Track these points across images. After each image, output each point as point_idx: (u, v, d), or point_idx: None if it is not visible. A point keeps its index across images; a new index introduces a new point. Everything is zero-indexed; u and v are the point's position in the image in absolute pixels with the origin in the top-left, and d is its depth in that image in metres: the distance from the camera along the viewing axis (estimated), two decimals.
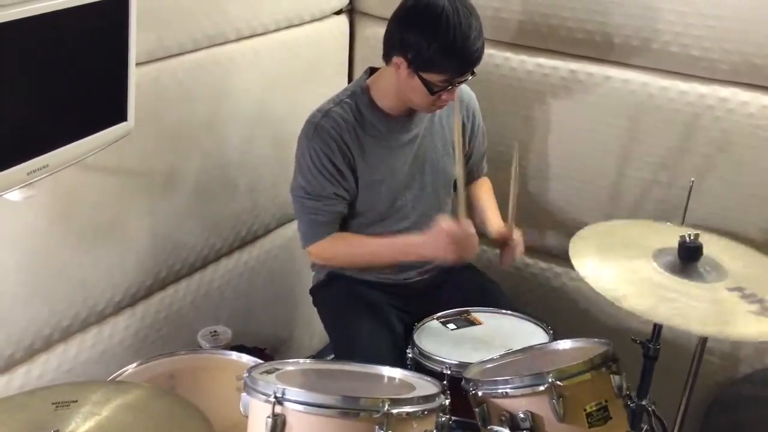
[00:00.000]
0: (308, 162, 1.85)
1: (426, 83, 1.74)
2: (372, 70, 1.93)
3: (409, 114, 1.92)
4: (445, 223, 1.74)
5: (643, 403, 1.92)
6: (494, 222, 2.03)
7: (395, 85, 1.83)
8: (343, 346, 1.97)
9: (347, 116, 1.86)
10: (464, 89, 2.02)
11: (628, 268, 1.67)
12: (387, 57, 1.82)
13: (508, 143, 2.24)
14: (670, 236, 1.73)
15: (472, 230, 1.75)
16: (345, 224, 1.95)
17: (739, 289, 1.62)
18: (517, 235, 1.94)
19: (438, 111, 1.96)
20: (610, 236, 1.88)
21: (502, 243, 1.97)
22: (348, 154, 1.86)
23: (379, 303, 1.98)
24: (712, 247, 1.73)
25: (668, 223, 1.96)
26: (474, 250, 1.77)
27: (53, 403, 1.33)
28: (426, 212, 1.99)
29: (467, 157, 2.07)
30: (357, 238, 1.93)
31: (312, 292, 2.14)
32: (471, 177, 2.13)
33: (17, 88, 1.34)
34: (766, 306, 1.56)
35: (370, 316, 1.93)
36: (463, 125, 2.01)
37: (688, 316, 1.54)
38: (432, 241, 1.76)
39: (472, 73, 1.79)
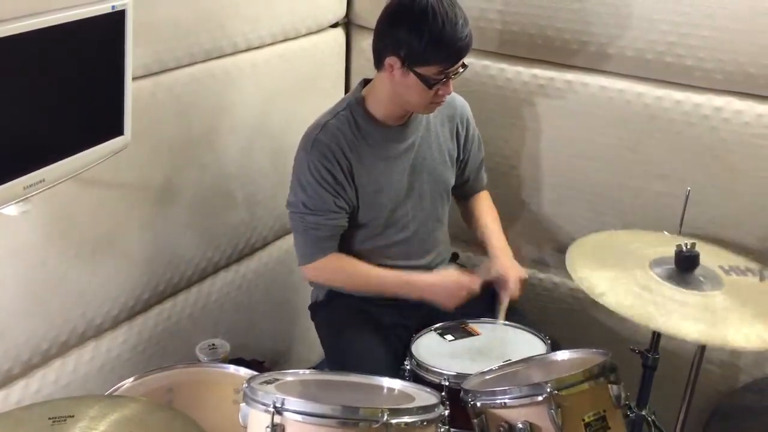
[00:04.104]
0: (308, 176, 1.85)
1: (422, 78, 1.75)
2: (366, 82, 1.94)
3: (405, 123, 1.92)
4: (459, 275, 1.89)
5: (643, 413, 1.92)
6: (495, 244, 2.05)
7: (389, 90, 1.83)
8: (340, 367, 1.95)
9: (344, 127, 1.87)
10: (456, 97, 2.03)
11: (625, 276, 1.68)
12: (378, 62, 1.82)
13: (504, 153, 2.25)
14: (667, 245, 1.74)
15: (477, 288, 1.89)
16: (346, 237, 1.95)
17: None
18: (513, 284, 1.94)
19: (432, 119, 1.96)
20: (607, 246, 1.90)
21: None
22: (347, 165, 1.86)
23: (379, 323, 1.96)
24: (709, 258, 1.73)
25: (665, 232, 1.97)
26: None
27: (50, 418, 1.32)
28: (425, 221, 2.00)
29: (463, 165, 2.07)
30: (360, 266, 1.93)
31: (311, 308, 2.13)
32: (470, 189, 2.14)
33: (13, 102, 1.34)
34: None
35: (368, 338, 1.92)
36: (457, 132, 2.02)
37: (685, 325, 1.54)
38: (443, 290, 1.88)
39: (464, 66, 1.80)
